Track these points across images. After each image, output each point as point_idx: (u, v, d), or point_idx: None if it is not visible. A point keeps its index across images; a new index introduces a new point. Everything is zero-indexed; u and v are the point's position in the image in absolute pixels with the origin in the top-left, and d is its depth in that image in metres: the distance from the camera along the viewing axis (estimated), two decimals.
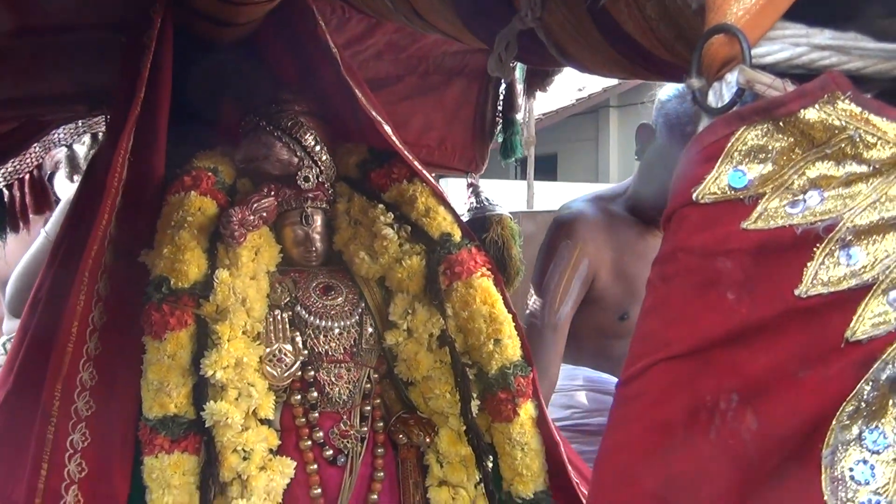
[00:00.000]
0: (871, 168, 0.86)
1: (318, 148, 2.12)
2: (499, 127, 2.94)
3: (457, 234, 2.12)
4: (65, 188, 3.15)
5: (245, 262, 1.98)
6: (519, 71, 2.80)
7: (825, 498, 0.84)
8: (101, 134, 2.84)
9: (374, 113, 2.12)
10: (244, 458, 1.92)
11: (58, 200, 3.14)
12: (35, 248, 3.09)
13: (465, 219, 2.69)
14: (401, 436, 2.11)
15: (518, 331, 2.11)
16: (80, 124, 2.77)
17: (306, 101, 2.18)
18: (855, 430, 0.85)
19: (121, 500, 1.90)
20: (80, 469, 1.88)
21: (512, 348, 2.07)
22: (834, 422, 0.85)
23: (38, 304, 2.20)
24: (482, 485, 2.10)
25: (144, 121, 1.95)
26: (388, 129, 2.14)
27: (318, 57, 2.19)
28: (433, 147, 2.90)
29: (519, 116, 2.96)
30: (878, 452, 0.84)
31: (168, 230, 1.97)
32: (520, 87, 2.85)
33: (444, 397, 2.09)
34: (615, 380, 2.24)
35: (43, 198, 2.78)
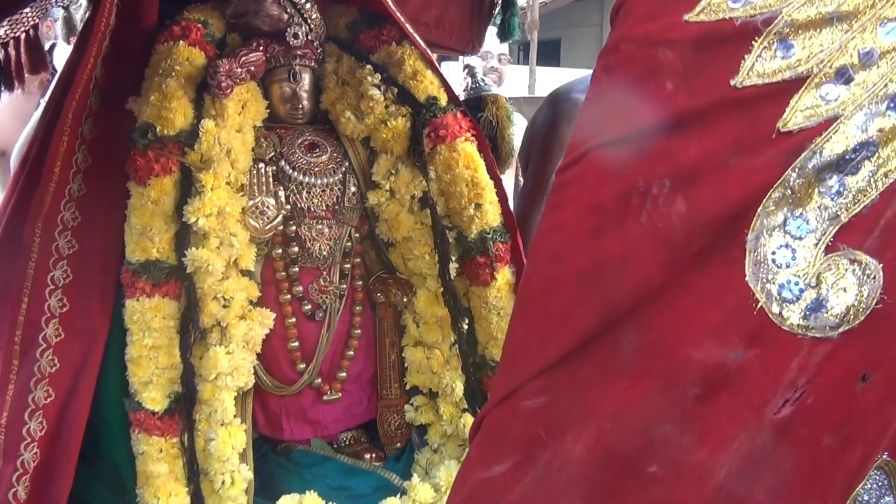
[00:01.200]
0: None
1: (308, 6, 2.12)
2: (497, 7, 2.92)
3: (443, 98, 2.14)
4: (63, 55, 3.16)
5: (231, 115, 2.00)
6: None
7: (746, 279, 0.88)
8: None
9: None
10: (224, 306, 1.97)
11: (55, 71, 3.15)
12: (36, 119, 3.11)
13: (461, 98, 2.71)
14: (379, 294, 2.17)
15: (500, 197, 2.13)
16: None
17: None
18: (780, 217, 0.88)
19: (101, 336, 1.95)
20: (61, 304, 1.93)
21: (492, 214, 2.11)
22: (760, 208, 0.88)
23: (30, 157, 2.23)
24: (456, 346, 2.16)
25: None
26: None
27: None
28: (431, 25, 2.88)
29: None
30: (800, 238, 0.88)
31: (156, 78, 1.98)
32: None
33: (423, 259, 2.14)
34: None
35: (38, 57, 2.79)
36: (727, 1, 0.90)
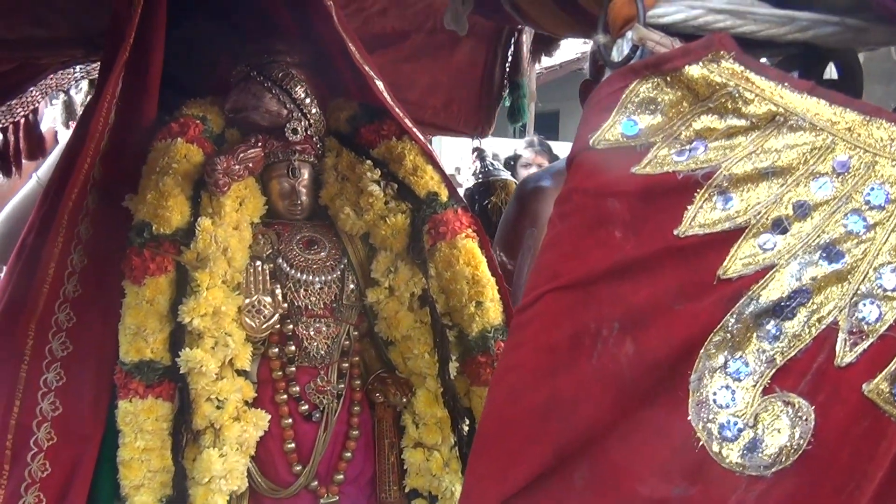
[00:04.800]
0: (750, 122, 1.04)
1: (308, 101, 2.28)
2: (506, 90, 3.08)
3: (443, 194, 2.27)
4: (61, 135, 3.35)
5: (228, 212, 2.14)
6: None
7: (689, 418, 1.03)
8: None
9: (366, 68, 2.27)
10: (217, 408, 2.10)
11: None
12: (24, 193, 3.27)
13: (469, 183, 2.88)
14: (378, 395, 2.29)
15: (501, 294, 2.26)
16: (77, 69, 2.95)
17: (299, 53, 2.32)
18: (720, 359, 1.03)
19: (94, 440, 2.09)
20: (54, 407, 2.07)
21: (494, 312, 2.23)
22: (702, 350, 1.03)
23: (25, 250, 2.38)
24: (457, 448, 2.27)
25: (135, 66, 2.11)
26: (380, 84, 2.29)
27: (313, 9, 2.33)
28: (438, 108, 3.05)
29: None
30: (739, 379, 1.02)
31: (153, 176, 2.13)
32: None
33: (423, 358, 2.26)
34: None
35: (37, 143, 2.98)
36: (672, 154, 1.06)
